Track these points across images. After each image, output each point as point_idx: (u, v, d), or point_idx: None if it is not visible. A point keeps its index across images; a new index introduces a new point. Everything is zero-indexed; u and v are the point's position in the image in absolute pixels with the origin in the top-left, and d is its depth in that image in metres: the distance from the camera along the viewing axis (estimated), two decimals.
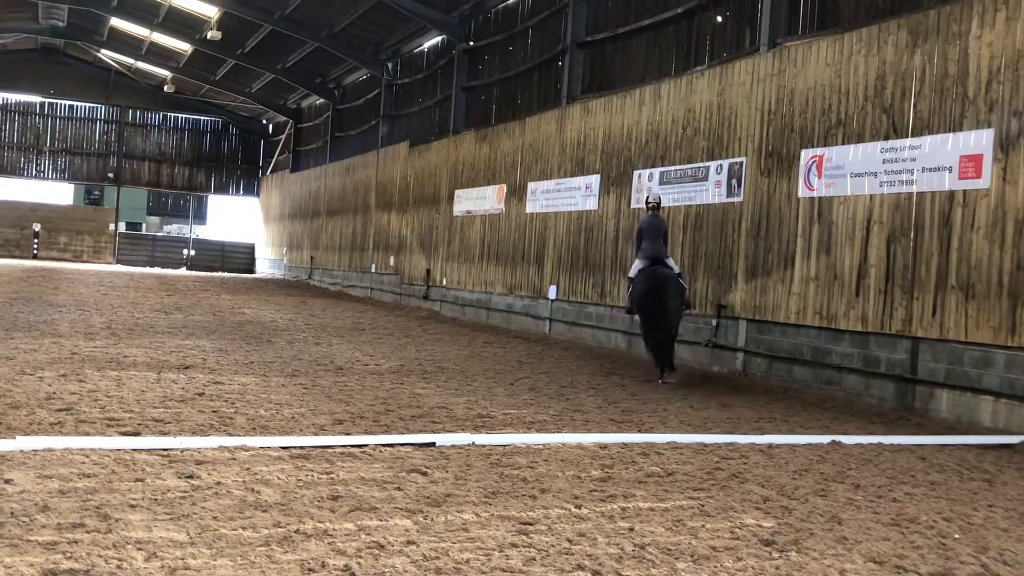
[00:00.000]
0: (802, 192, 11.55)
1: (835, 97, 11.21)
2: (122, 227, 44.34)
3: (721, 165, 13.09)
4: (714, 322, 12.89)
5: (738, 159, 12.77)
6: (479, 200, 20.77)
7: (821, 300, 11.13)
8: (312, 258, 34.67)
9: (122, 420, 6.53)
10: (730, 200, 12.85)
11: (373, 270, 27.66)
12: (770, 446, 7.09)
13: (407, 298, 24.36)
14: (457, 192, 21.88)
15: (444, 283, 22.18)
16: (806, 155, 11.54)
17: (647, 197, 11.98)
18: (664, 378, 10.95)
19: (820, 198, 11.26)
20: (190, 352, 10.94)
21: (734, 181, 12.81)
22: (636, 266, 11.35)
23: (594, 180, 16.21)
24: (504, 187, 19.59)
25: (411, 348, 13.49)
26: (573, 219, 16.79)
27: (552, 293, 17.29)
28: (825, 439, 7.55)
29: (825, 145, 11.27)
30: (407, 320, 19.28)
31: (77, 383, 8.02)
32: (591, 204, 16.24)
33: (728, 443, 7.10)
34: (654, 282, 10.85)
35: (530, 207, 18.42)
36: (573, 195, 16.85)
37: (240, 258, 43.79)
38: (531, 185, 18.44)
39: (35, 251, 40.19)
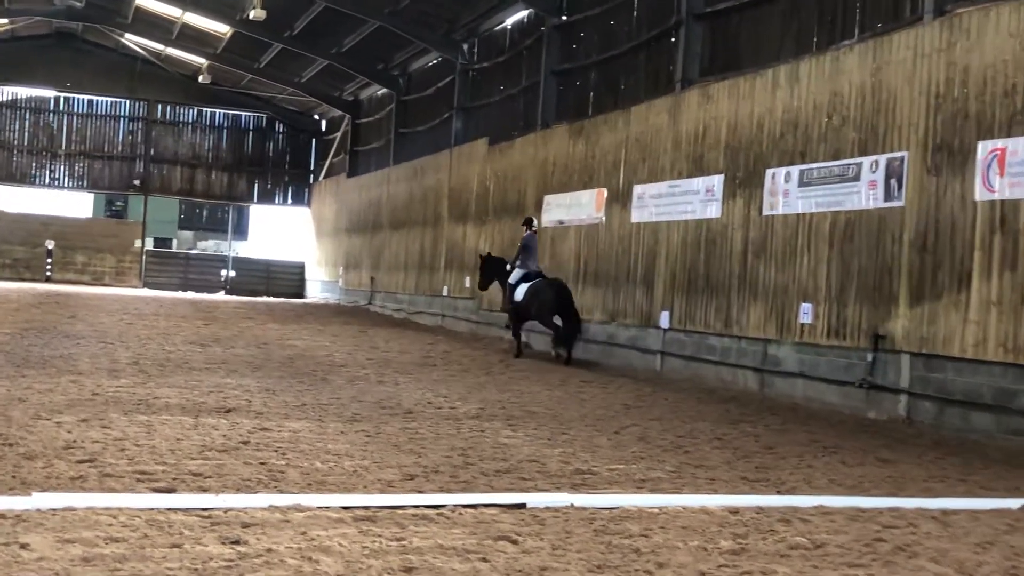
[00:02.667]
0: (979, 194, 11.28)
1: (1021, 76, 10.94)
2: (149, 244, 45.79)
3: (876, 162, 12.88)
4: (869, 357, 12.65)
5: (898, 154, 12.55)
6: (573, 208, 20.81)
7: (1006, 329, 10.82)
8: (373, 279, 35.19)
9: (154, 474, 6.71)
10: (888, 205, 12.62)
11: (445, 293, 27.93)
12: (944, 512, 6.92)
13: (486, 327, 24.49)
14: (547, 199, 21.97)
15: None
16: (984, 148, 11.27)
17: (528, 218, 19.42)
18: (559, 352, 18.15)
19: (1003, 201, 10.98)
20: (232, 392, 11.19)
21: (893, 181, 12.59)
22: (518, 274, 18.96)
23: (716, 181, 16.11)
24: (604, 191, 19.61)
25: (492, 388, 13.54)
26: (690, 229, 16.70)
27: (664, 321, 17.20)
28: (1015, 503, 7.34)
29: (1008, 136, 10.99)
30: (487, 354, 19.37)
31: (101, 429, 8.27)
32: (712, 211, 16.14)
33: (891, 508, 6.95)
34: (560, 288, 18.33)
35: (636, 215, 18.38)
36: (690, 200, 16.77)
37: (288, 280, 44.72)
38: (637, 189, 18.41)
39: (48, 273, 41.61)
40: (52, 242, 42.03)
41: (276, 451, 7.81)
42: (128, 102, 43.74)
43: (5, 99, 42.92)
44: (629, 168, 18.86)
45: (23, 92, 42.97)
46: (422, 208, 30.74)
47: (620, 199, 19.05)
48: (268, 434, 8.58)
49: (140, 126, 43.98)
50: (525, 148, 23.54)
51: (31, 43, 41.49)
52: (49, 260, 41.96)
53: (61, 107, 43.27)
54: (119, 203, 52.83)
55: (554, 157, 21.93)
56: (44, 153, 43.17)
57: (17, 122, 43.06)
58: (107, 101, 43.60)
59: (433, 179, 29.93)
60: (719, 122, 16.23)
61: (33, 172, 43.14)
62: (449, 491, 6.73)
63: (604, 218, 19.55)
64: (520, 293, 18.79)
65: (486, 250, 22.54)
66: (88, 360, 13.59)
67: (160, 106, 44.09)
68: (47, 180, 43.33)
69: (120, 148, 43.86)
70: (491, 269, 20.32)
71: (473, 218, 26.43)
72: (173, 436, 8.18)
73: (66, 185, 43.68)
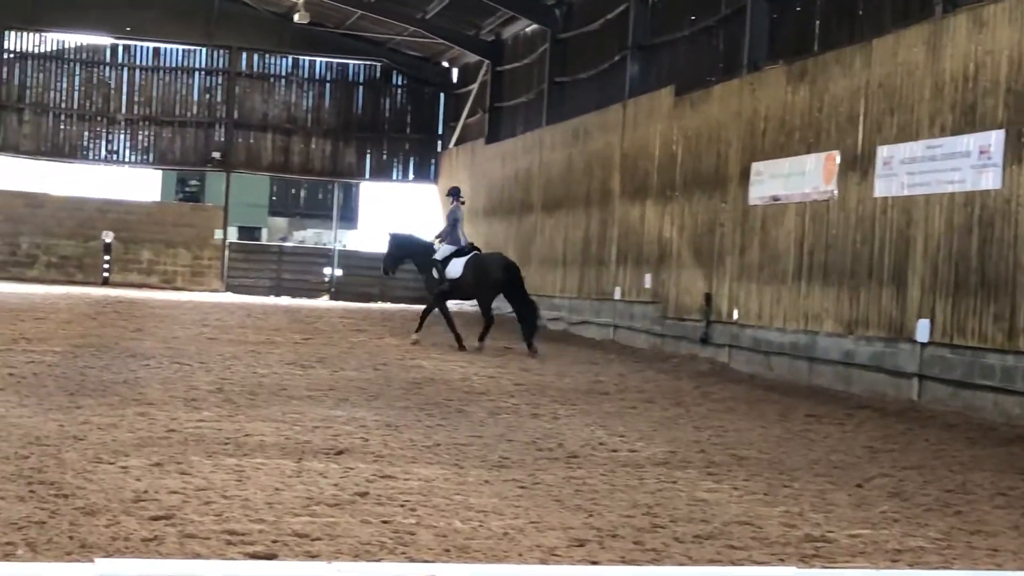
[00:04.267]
0: None
1: None
2: (232, 235, 46.81)
3: None
4: None
5: None
6: (793, 179, 20.51)
7: None
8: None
9: (248, 534, 6.85)
10: None
11: (617, 296, 27.87)
12: None
13: (674, 341, 24.33)
14: (755, 166, 21.72)
15: (736, 317, 22.01)
16: None
17: (454, 187, 23.13)
18: (531, 353, 21.68)
19: None
20: (343, 428, 11.37)
21: None
22: (447, 249, 22.28)
23: (994, 139, 15.66)
24: (836, 156, 19.27)
25: (686, 424, 13.44)
26: (957, 206, 16.28)
27: (923, 332, 16.80)
28: None
29: None
30: (676, 378, 19.24)
31: (179, 477, 8.50)
32: (989, 180, 15.69)
33: None
34: (508, 265, 22.74)
35: (881, 188, 18.01)
36: (957, 165, 16.34)
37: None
38: (882, 151, 18.04)
39: (106, 274, 43.01)
40: (111, 234, 43.27)
41: (402, 506, 7.91)
42: (204, 51, 44.94)
43: (49, 49, 44.49)
44: (871, 123, 18.49)
45: (71, 40, 44.57)
46: (585, 181, 30.74)
47: (858, 165, 18.68)
48: (391, 483, 8.69)
49: (220, 81, 45.16)
50: (726, 99, 23.31)
51: None
52: (107, 257, 43.22)
53: (120, 58, 44.75)
54: (194, 182, 54.20)
55: (766, 110, 21.65)
56: (99, 118, 44.64)
57: (65, 79, 44.59)
58: (178, 50, 44.87)
59: (600, 142, 29.90)
60: (998, 56, 15.76)
61: (85, 143, 44.69)
62: (634, 562, 6.69)
63: (836, 192, 19.21)
64: (455, 269, 22.11)
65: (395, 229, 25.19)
66: (160, 386, 14.00)
67: (245, 55, 45.19)
68: (102, 154, 44.85)
69: (195, 110, 45.15)
70: (401, 248, 23.20)
71: (655, 194, 26.31)
72: (270, 485, 8.36)
73: (127, 160, 45.16)
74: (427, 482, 8.85)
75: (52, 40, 44.33)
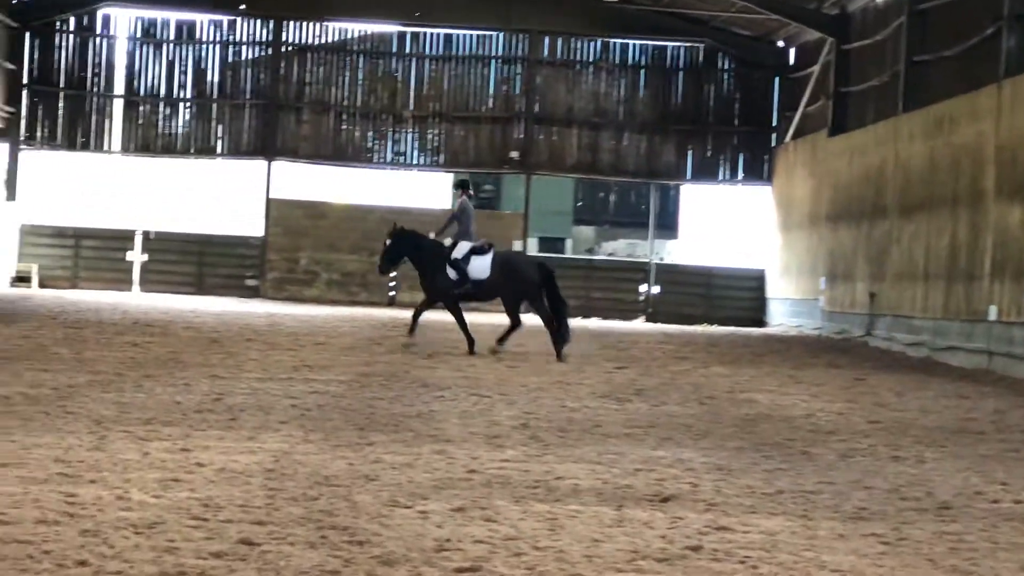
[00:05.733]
0: None
1: None
2: (533, 246, 47.39)
3: None
4: None
5: None
6: None
7: None
8: (873, 296, 34.79)
9: None
10: None
11: (993, 317, 27.13)
12: None
13: None
14: None
15: None
16: None
17: (463, 179, 23.74)
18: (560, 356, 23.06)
19: None
20: (667, 471, 11.39)
21: None
22: (464, 247, 23.35)
23: None
24: None
25: None
26: None
27: None
28: None
29: None
30: None
31: (483, 524, 8.66)
32: None
33: None
34: (540, 263, 24.43)
35: None
36: None
37: (739, 299, 45.08)
38: None
39: (393, 293, 44.15)
40: None
41: (742, 563, 7.86)
42: (501, 36, 45.76)
43: (330, 40, 46.16)
44: None
45: (355, 28, 46.15)
46: (950, 180, 30.04)
47: None
48: (728, 536, 8.65)
49: (519, 70, 45.92)
50: None
51: None
52: (393, 274, 44.34)
53: (407, 48, 45.96)
54: (488, 187, 55.29)
55: None
56: (384, 116, 46.00)
57: (347, 73, 46.07)
58: (472, 36, 45.84)
59: (969, 133, 29.18)
60: None
61: (369, 145, 46.14)
62: None
63: None
64: (481, 268, 23.36)
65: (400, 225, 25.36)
66: (457, 421, 14.34)
67: (547, 40, 45.79)
68: (388, 156, 46.17)
69: (490, 104, 45.98)
70: (403, 246, 23.95)
71: None
72: (588, 536, 8.42)
73: (415, 162, 46.40)
74: (770, 535, 8.77)
75: (333, 30, 45.91)
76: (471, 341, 23.27)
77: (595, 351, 26.86)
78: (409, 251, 24.30)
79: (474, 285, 23.40)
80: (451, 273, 23.34)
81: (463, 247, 23.30)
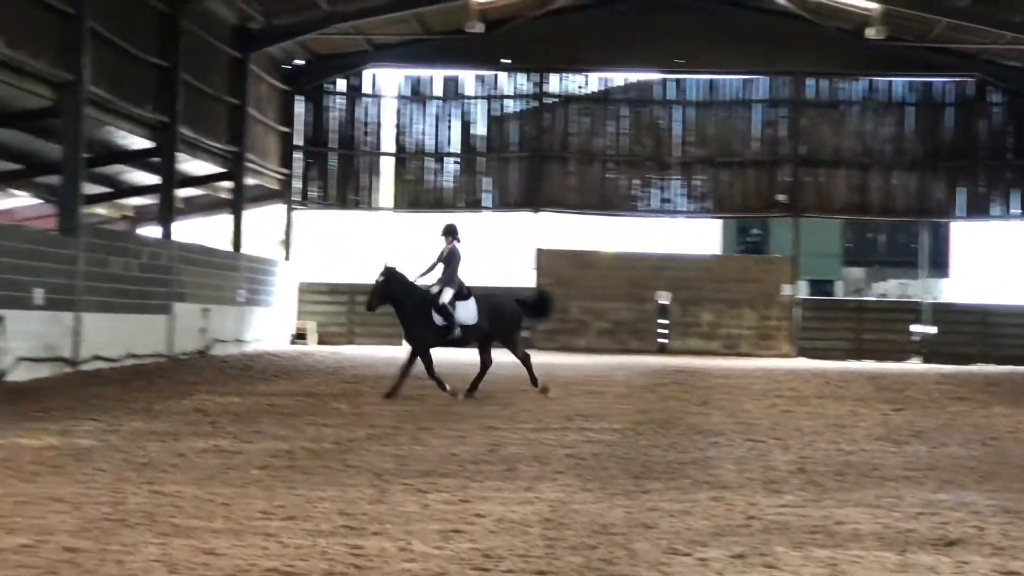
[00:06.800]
0: None
1: None
2: (802, 289, 46.97)
3: None
4: None
5: None
6: None
7: None
8: None
9: None
10: None
11: None
12: None
13: None
14: None
15: None
16: None
17: (451, 225, 23.45)
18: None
19: None
20: (951, 515, 11.17)
21: None
22: (450, 292, 22.70)
23: None
24: None
25: None
26: None
27: None
28: None
29: None
30: None
31: (764, 571, 8.67)
32: None
33: None
34: (523, 302, 24.28)
35: None
36: None
37: (1019, 335, 43.80)
38: None
39: (663, 340, 44.39)
40: (667, 295, 44.68)
41: None
42: (765, 79, 45.65)
43: (593, 90, 46.71)
44: None
45: (617, 78, 46.52)
46: None
47: None
48: None
49: (783, 112, 45.69)
50: None
51: (616, 9, 44.78)
52: (663, 321, 44.60)
53: (669, 94, 46.14)
54: (755, 231, 54.95)
55: None
56: (649, 164, 46.22)
57: (612, 123, 46.40)
58: (734, 80, 45.80)
59: None
60: None
61: (635, 192, 46.29)
62: None
63: None
64: (468, 313, 22.90)
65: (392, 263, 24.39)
66: (733, 466, 14.29)
67: (810, 81, 45.53)
68: (654, 203, 46.29)
69: (755, 148, 45.82)
70: (392, 287, 23.06)
71: None
72: None
73: (681, 208, 46.35)
74: None
75: (596, 80, 46.45)
76: (440, 383, 22.70)
77: (870, 393, 26.46)
78: (399, 292, 23.37)
79: (462, 331, 23.04)
80: (438, 319, 22.94)
81: (448, 293, 22.86)
